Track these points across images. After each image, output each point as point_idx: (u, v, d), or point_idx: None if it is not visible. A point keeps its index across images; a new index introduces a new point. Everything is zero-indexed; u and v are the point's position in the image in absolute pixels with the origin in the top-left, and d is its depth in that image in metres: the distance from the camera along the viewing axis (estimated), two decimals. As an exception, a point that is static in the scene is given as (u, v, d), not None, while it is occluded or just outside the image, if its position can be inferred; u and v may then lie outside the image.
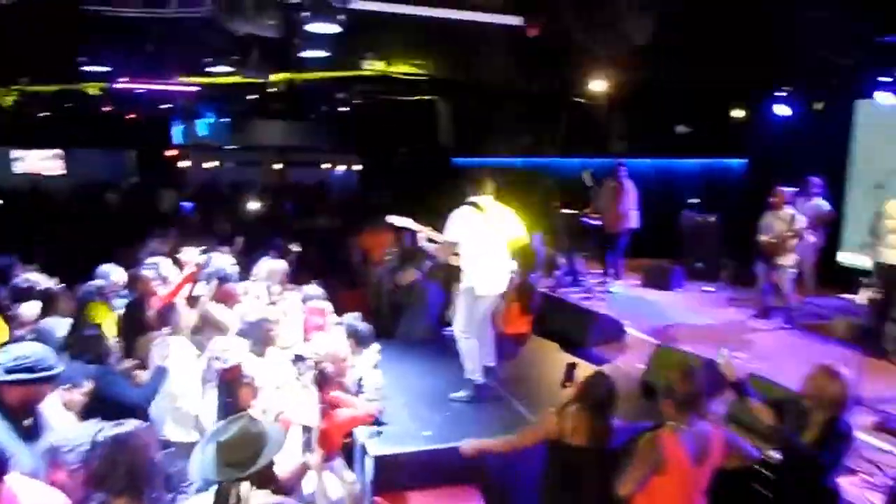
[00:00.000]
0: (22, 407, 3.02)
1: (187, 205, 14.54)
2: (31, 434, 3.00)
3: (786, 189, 8.01)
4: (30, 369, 2.99)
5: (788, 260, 7.73)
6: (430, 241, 5.41)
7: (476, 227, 5.11)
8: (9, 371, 2.95)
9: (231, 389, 3.54)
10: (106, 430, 2.48)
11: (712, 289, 9.80)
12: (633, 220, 9.37)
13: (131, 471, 2.40)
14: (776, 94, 9.70)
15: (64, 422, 3.26)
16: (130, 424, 2.54)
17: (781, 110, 9.87)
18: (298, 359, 3.95)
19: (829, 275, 9.15)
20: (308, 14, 4.96)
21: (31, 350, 3.09)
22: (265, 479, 2.61)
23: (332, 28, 5.16)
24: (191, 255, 6.16)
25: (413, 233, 5.55)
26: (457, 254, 5.21)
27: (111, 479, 2.37)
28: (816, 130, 9.74)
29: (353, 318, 5.22)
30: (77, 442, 2.57)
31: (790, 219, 7.69)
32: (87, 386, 3.58)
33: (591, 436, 3.68)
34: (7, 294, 6.09)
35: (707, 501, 3.44)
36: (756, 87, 9.60)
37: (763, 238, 7.84)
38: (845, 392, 3.58)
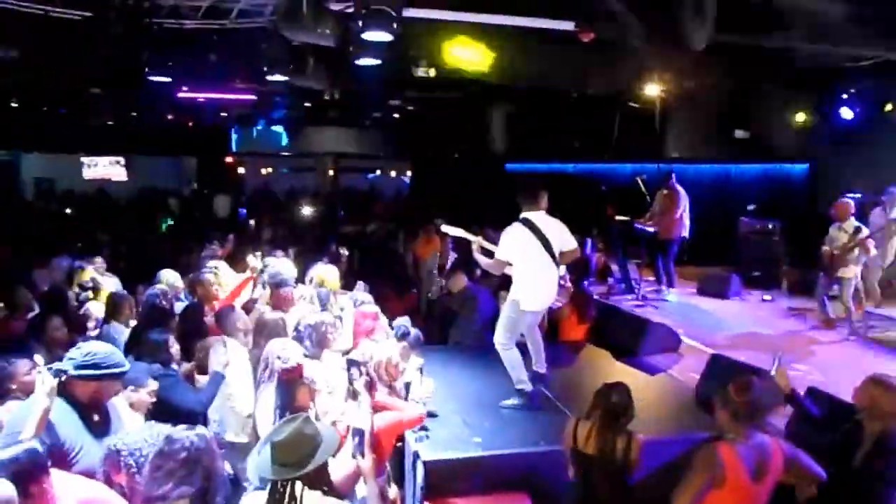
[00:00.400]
0: (91, 402, 3.17)
1: (243, 210, 14.90)
2: (100, 430, 3.15)
3: (849, 199, 7.75)
4: (97, 365, 3.13)
5: (850, 272, 7.47)
6: (483, 251, 5.41)
7: (527, 245, 5.11)
8: (78, 367, 3.10)
9: (290, 390, 3.60)
10: (179, 432, 2.56)
11: (771, 298, 9.52)
12: (685, 227, 9.18)
13: (207, 475, 2.50)
14: (842, 95, 9.34)
15: (131, 421, 3.39)
16: (203, 430, 2.63)
17: (846, 113, 9.52)
18: (352, 363, 4.00)
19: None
20: (362, 23, 5.03)
21: (99, 348, 3.25)
22: (319, 480, 2.65)
23: (386, 36, 5.23)
24: (249, 260, 6.31)
25: (456, 241, 5.57)
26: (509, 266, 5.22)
27: (188, 480, 2.45)
28: (886, 133, 9.34)
29: (404, 323, 5.26)
30: (137, 446, 2.65)
31: (853, 230, 7.44)
32: (152, 385, 3.70)
33: (600, 445, 3.66)
34: (75, 295, 6.37)
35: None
36: (820, 89, 9.28)
37: (825, 249, 7.60)
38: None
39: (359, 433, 3.10)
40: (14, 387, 3.47)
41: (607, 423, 3.71)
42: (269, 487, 2.62)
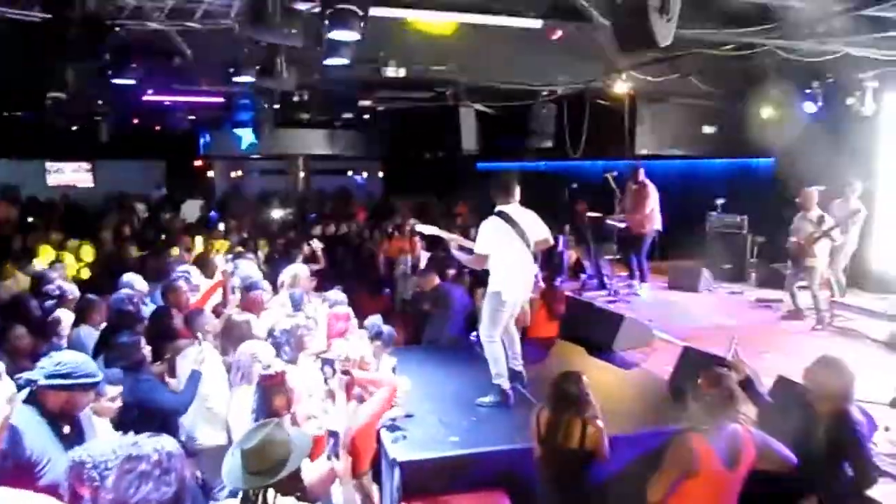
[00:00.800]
0: (62, 413, 3.11)
1: (213, 214, 14.71)
2: (71, 442, 3.07)
3: (813, 189, 7.89)
4: (67, 375, 3.08)
5: (817, 262, 7.61)
6: (461, 248, 5.46)
7: (505, 236, 5.19)
8: (48, 376, 3.06)
9: (268, 396, 3.56)
10: (146, 438, 2.47)
11: (740, 290, 9.66)
12: (657, 221, 9.27)
13: (180, 480, 2.40)
14: (805, 90, 9.49)
15: (102, 430, 3.32)
16: (169, 439, 2.55)
17: (809, 107, 9.68)
18: (326, 363, 3.97)
19: (861, 277, 8.97)
20: (329, 22, 5.00)
21: (70, 357, 3.19)
22: (292, 487, 2.62)
23: (354, 35, 5.20)
24: (218, 263, 6.24)
25: (428, 240, 5.58)
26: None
27: (165, 481, 2.35)
28: (847, 127, 9.53)
29: (376, 322, 5.24)
30: (102, 458, 2.58)
31: (818, 220, 7.57)
32: (112, 392, 3.63)
33: (554, 433, 3.76)
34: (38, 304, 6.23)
35: None
36: (784, 83, 9.42)
37: (792, 240, 7.73)
38: (847, 383, 3.49)
39: (334, 435, 3.07)
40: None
41: (561, 410, 3.78)
42: (240, 495, 2.58)
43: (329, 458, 3.07)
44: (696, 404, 3.34)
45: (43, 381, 3.06)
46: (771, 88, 9.46)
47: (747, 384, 3.75)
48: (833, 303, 8.07)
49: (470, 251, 5.40)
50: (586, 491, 3.74)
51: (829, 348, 6.82)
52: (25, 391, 3.09)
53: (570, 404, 3.77)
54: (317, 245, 8.06)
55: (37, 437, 3.00)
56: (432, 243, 9.23)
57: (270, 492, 2.55)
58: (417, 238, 9.59)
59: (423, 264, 8.82)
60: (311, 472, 3.03)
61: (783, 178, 10.51)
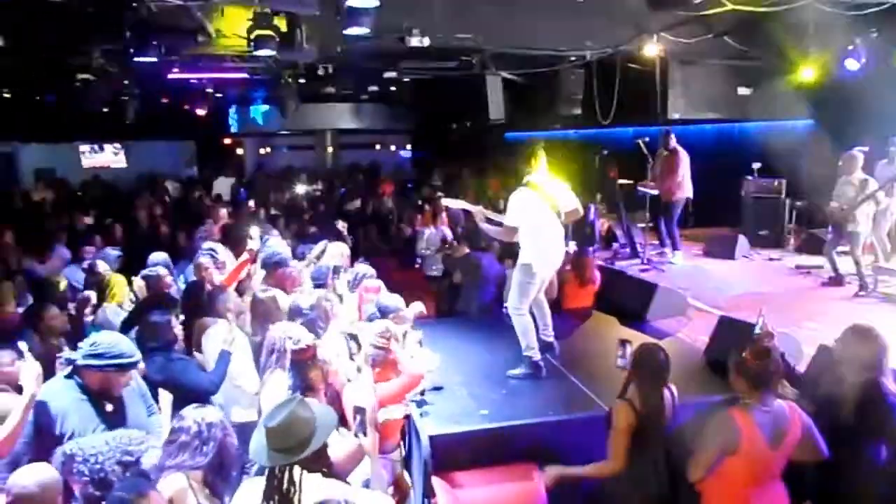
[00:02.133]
0: (101, 391, 3.23)
1: (243, 192, 14.80)
2: (114, 419, 3.19)
3: (857, 152, 7.57)
4: (100, 356, 3.19)
5: (860, 226, 7.33)
6: (489, 220, 5.35)
7: (535, 207, 5.10)
8: (84, 356, 3.20)
9: (303, 371, 3.52)
10: (189, 410, 2.73)
11: (778, 257, 9.39)
12: (688, 189, 9.03)
13: (220, 449, 2.67)
14: (847, 46, 9.06)
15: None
16: (213, 409, 2.65)
17: (852, 65, 9.25)
18: (351, 338, 3.92)
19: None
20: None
21: (105, 339, 3.32)
22: (318, 463, 2.59)
23: (372, 2, 5.08)
24: (248, 237, 6.19)
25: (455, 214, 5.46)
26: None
27: (201, 452, 2.61)
28: (891, 85, 9.10)
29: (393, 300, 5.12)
30: (92, 452, 2.59)
31: (861, 184, 7.28)
32: None
33: (644, 406, 3.54)
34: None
35: (784, 487, 3.24)
36: (824, 41, 9.01)
37: (833, 205, 7.46)
38: (879, 352, 3.31)
39: (360, 411, 3.02)
40: (-3, 377, 3.48)
41: (652, 383, 3.59)
42: (266, 472, 2.55)
43: (356, 435, 3.02)
44: (739, 377, 3.17)
45: (80, 361, 3.19)
46: (810, 45, 9.06)
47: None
48: (878, 268, 7.79)
49: (498, 224, 5.30)
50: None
51: (873, 315, 6.69)
52: (67, 369, 3.26)
53: (659, 376, 3.62)
54: (342, 225, 8.00)
55: (79, 414, 3.13)
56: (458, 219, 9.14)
57: (296, 469, 2.52)
58: (444, 212, 9.49)
59: (450, 237, 8.73)
60: (339, 448, 2.99)
61: (823, 140, 10.15)
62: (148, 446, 2.61)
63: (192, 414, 2.72)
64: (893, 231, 8.28)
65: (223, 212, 8.83)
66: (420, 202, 11.70)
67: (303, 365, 3.57)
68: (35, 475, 2.43)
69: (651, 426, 3.53)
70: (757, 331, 3.81)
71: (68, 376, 3.26)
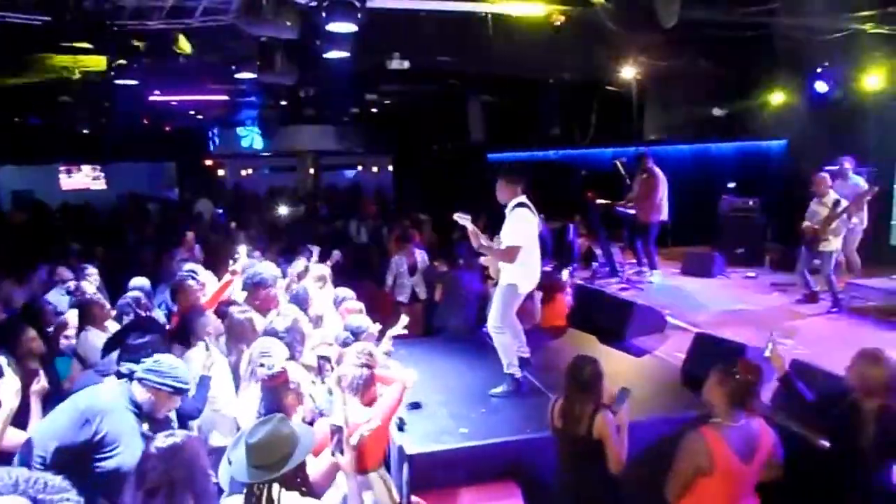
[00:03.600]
0: (146, 409, 3.28)
1: (220, 213, 14.76)
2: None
3: (825, 172, 7.78)
4: (159, 373, 3.30)
5: (832, 245, 7.49)
6: (482, 246, 5.27)
7: (530, 227, 5.16)
8: (145, 370, 3.29)
9: (276, 397, 3.51)
10: (159, 440, 2.55)
11: (754, 275, 9.54)
12: (664, 212, 9.14)
13: (187, 479, 2.46)
14: (816, 69, 9.32)
15: None
16: (182, 434, 2.58)
17: (821, 87, 9.51)
18: (323, 359, 3.92)
19: (878, 256, 8.83)
20: (326, 14, 4.96)
21: (167, 360, 3.40)
22: (296, 481, 2.60)
23: (351, 27, 5.16)
24: (235, 260, 6.19)
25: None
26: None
27: (168, 488, 2.42)
28: (860, 105, 9.35)
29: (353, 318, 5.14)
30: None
31: (833, 203, 7.46)
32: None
33: (565, 418, 3.66)
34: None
35: (758, 498, 3.30)
36: (794, 63, 9.26)
37: (806, 224, 7.62)
38: (892, 375, 3.35)
39: (337, 430, 3.03)
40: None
41: (573, 395, 3.68)
42: (245, 490, 2.56)
43: (333, 454, 3.03)
44: (719, 390, 3.21)
45: (139, 374, 3.26)
46: (782, 69, 9.32)
47: (789, 379, 3.68)
48: (849, 284, 7.95)
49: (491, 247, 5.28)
50: (598, 478, 3.66)
51: (844, 330, 6.81)
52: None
53: (581, 389, 3.70)
54: (315, 249, 7.92)
55: (119, 421, 3.14)
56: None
57: (275, 486, 2.53)
58: (413, 242, 9.33)
59: (420, 265, 8.69)
60: (314, 466, 3.00)
61: (796, 159, 10.38)
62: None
63: (159, 439, 2.57)
64: (862, 247, 8.45)
65: (190, 235, 8.79)
66: (402, 223, 11.72)
67: (275, 390, 3.54)
68: None
69: (564, 440, 3.70)
70: (766, 353, 3.85)
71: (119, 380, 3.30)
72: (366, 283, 7.98)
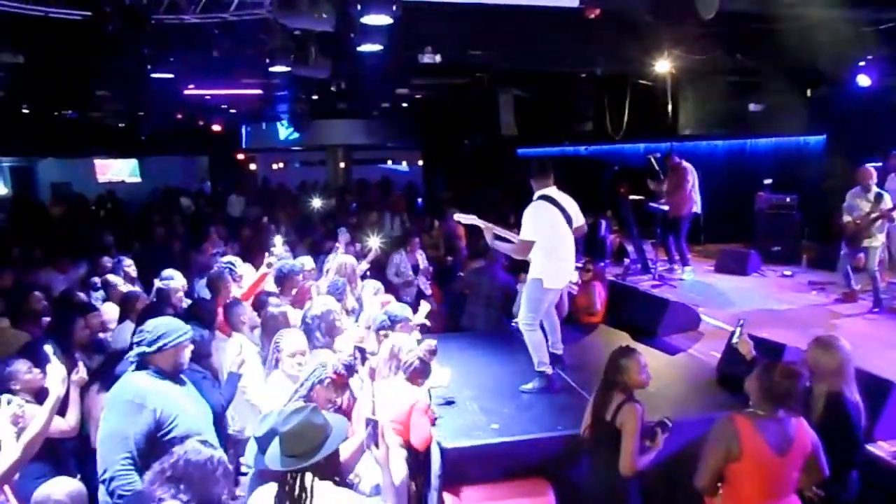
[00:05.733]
0: (175, 371, 3.34)
1: (254, 207, 14.90)
2: (192, 392, 3.42)
3: (870, 166, 7.56)
4: (165, 335, 3.29)
5: (876, 240, 7.29)
6: (498, 237, 5.28)
7: (550, 222, 5.05)
8: (150, 343, 3.27)
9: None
10: (196, 444, 2.57)
11: (791, 273, 9.35)
12: (696, 204, 9.01)
13: (199, 487, 2.46)
14: (858, 62, 9.06)
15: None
16: (218, 454, 2.57)
17: (863, 80, 9.25)
18: (359, 352, 3.93)
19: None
20: (361, 6, 4.96)
21: (157, 322, 3.40)
22: (329, 470, 2.60)
23: (386, 20, 5.15)
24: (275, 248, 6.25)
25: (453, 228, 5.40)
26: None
27: (176, 484, 2.43)
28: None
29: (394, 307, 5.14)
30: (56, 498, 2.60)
31: (875, 197, 7.26)
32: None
33: (596, 408, 3.71)
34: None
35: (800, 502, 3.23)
36: (835, 56, 9.01)
37: (847, 219, 7.42)
38: (841, 363, 3.45)
39: (371, 423, 3.03)
40: (17, 387, 3.55)
41: (605, 385, 3.71)
42: (278, 479, 2.57)
43: (368, 447, 3.03)
44: (757, 384, 3.18)
45: (150, 349, 3.24)
46: (822, 61, 9.07)
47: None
48: (890, 283, 7.74)
49: (509, 240, 5.25)
50: (610, 466, 3.61)
51: (885, 330, 6.63)
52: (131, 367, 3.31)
53: (615, 379, 3.68)
54: (343, 232, 7.95)
55: (161, 396, 3.18)
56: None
57: (308, 476, 2.53)
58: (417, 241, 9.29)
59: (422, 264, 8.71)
60: (343, 452, 3.00)
61: (835, 155, 10.14)
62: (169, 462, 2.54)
63: (177, 451, 2.56)
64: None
65: (216, 232, 8.89)
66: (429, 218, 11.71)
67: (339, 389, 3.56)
68: (65, 487, 2.43)
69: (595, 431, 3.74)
70: (735, 339, 3.99)
71: (138, 369, 3.30)
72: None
